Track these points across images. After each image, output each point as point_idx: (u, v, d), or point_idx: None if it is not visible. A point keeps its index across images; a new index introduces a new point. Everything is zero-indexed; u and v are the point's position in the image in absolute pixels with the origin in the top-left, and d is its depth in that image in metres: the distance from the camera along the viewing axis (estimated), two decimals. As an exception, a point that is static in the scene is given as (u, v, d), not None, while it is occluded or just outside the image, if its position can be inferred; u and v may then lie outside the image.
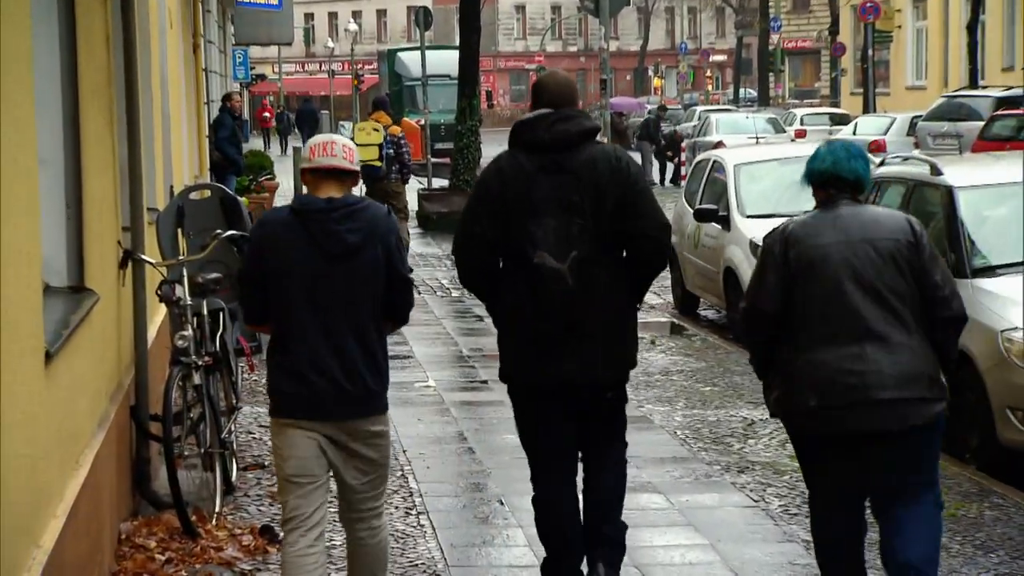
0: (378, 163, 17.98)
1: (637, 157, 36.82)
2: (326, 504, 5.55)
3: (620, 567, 6.21)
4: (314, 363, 5.38)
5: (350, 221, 5.40)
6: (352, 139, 20.59)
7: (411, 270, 5.29)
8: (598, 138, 6.10)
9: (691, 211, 14.88)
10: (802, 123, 40.40)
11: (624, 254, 6.04)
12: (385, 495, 5.74)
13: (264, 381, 11.44)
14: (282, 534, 5.63)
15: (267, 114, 59.72)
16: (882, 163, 11.58)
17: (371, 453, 5.53)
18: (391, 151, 18.33)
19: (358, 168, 5.55)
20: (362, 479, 5.55)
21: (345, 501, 5.63)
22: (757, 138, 22.82)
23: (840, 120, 40.26)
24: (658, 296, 17.12)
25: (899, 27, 48.34)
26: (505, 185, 5.92)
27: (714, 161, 15.36)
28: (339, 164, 5.46)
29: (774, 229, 5.77)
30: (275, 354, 5.51)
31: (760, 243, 5.89)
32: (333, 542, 6.87)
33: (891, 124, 32.50)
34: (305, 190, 5.61)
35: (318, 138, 5.59)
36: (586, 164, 5.89)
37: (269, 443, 9.41)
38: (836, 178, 5.66)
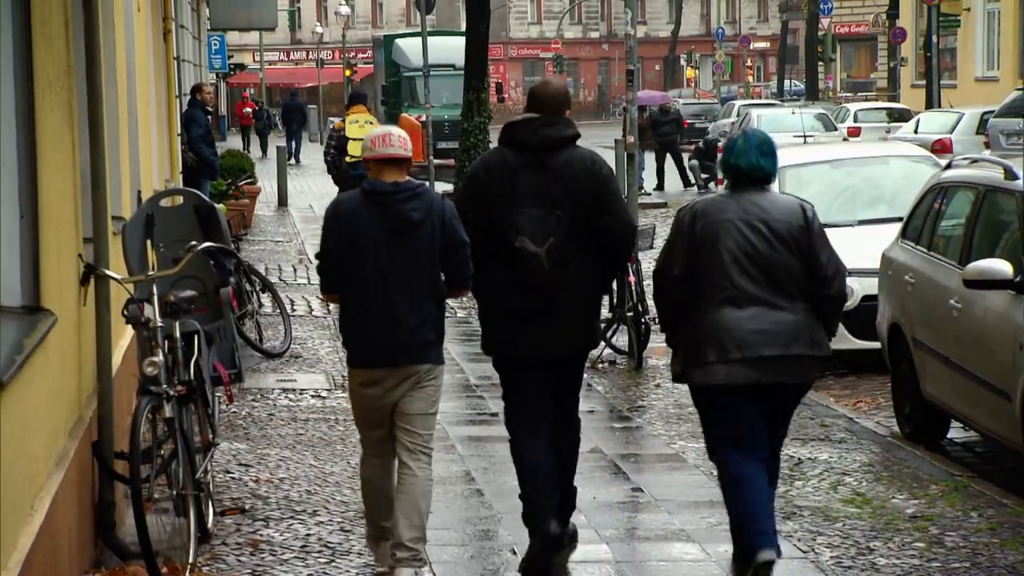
0: None
1: (647, 160, 36.72)
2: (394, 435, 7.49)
3: (568, 521, 7.79)
4: (381, 319, 7.30)
5: (413, 201, 7.30)
6: (344, 135, 20.63)
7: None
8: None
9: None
10: (856, 120, 40.47)
11: (595, 247, 7.65)
12: (434, 435, 7.57)
13: (244, 413, 11.57)
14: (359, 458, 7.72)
15: (248, 109, 59.52)
16: (948, 166, 11.51)
17: (429, 390, 7.48)
18: None
19: (410, 154, 7.39)
20: (422, 410, 7.47)
21: (405, 432, 7.45)
22: (805, 137, 22.79)
23: (899, 116, 40.29)
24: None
25: (968, 10, 48.28)
26: (491, 177, 7.63)
27: (756, 163, 15.33)
28: (396, 153, 7.35)
29: (687, 204, 7.54)
30: (348, 313, 7.43)
31: None
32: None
33: (958, 121, 32.54)
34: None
35: (377, 130, 7.48)
36: (564, 164, 7.57)
37: (249, 484, 9.50)
38: (747, 177, 7.35)
